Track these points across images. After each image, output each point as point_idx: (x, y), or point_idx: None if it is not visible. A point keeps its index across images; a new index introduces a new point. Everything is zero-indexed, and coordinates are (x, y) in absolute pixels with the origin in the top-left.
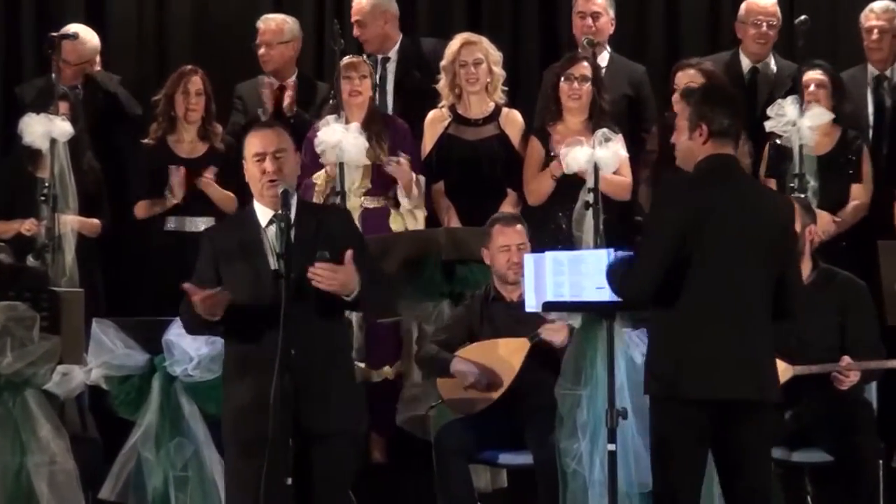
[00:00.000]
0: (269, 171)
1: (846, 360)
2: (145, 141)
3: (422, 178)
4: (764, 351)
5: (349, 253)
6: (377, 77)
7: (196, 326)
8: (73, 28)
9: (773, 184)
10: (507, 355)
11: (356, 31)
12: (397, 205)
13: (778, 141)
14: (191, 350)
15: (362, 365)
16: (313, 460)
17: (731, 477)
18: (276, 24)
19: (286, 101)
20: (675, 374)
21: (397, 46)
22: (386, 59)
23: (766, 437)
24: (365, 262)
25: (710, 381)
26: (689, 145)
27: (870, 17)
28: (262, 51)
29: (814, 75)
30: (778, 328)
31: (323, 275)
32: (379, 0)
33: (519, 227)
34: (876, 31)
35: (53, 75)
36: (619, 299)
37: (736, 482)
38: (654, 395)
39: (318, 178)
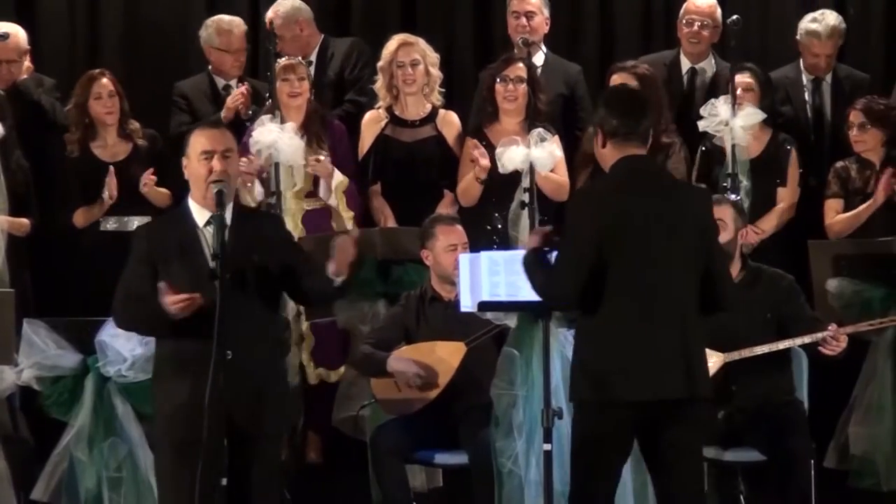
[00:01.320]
0: (216, 171)
1: (833, 326)
2: (67, 152)
3: (345, 180)
4: (692, 348)
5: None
6: None
7: (150, 327)
8: (1, 27)
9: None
10: (443, 357)
11: (278, 46)
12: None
13: (706, 146)
14: (124, 351)
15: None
16: (248, 461)
17: (664, 476)
18: (240, 28)
19: (241, 99)
20: (605, 377)
21: (317, 49)
22: (308, 63)
23: (698, 434)
24: (304, 261)
25: (640, 381)
26: (598, 150)
27: (816, 42)
28: (235, 56)
29: (741, 78)
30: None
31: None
32: (288, 10)
33: (459, 227)
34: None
35: None
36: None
37: (667, 481)
38: (583, 399)
39: (247, 167)
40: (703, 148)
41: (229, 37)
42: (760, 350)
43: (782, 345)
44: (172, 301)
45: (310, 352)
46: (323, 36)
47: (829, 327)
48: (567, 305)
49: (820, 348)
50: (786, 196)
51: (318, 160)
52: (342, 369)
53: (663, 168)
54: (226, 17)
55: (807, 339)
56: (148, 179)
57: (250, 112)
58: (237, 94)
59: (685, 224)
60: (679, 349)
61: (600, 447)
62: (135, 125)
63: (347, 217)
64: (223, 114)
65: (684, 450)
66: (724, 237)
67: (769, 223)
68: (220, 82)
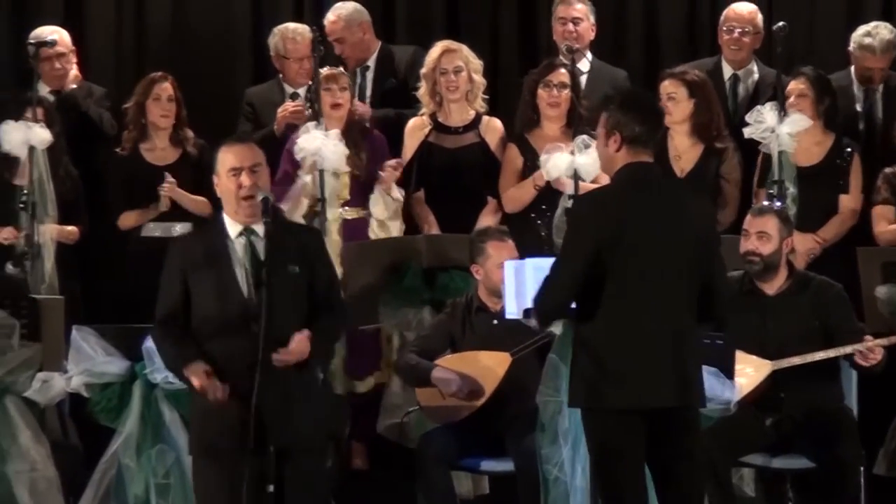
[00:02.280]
0: (245, 186)
1: (868, 338)
2: (118, 150)
3: (401, 191)
4: (689, 357)
5: (304, 335)
6: (356, 87)
7: (169, 369)
8: (50, 34)
9: (761, 195)
10: (488, 367)
11: (337, 50)
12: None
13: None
14: None
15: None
16: (290, 472)
17: (664, 486)
18: (304, 35)
19: (290, 115)
20: (597, 384)
21: (375, 55)
22: (365, 68)
23: (696, 443)
24: (328, 286)
25: (632, 390)
26: (606, 153)
27: (870, 57)
28: (300, 64)
29: (795, 85)
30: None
31: (283, 360)
32: (350, 13)
33: (510, 241)
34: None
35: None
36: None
37: (668, 492)
38: (581, 406)
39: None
40: (765, 152)
41: (293, 44)
42: (800, 360)
43: (818, 356)
44: (201, 388)
45: (342, 361)
46: (381, 43)
47: (865, 338)
48: (559, 314)
49: (855, 360)
50: (848, 203)
51: (394, 167)
52: (371, 380)
53: (666, 177)
54: (291, 25)
55: (842, 351)
56: (167, 184)
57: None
58: (287, 108)
59: (687, 235)
60: (673, 358)
61: (611, 453)
62: (188, 133)
63: (395, 228)
64: (276, 126)
65: (683, 459)
66: (767, 248)
67: (830, 232)
68: (289, 90)
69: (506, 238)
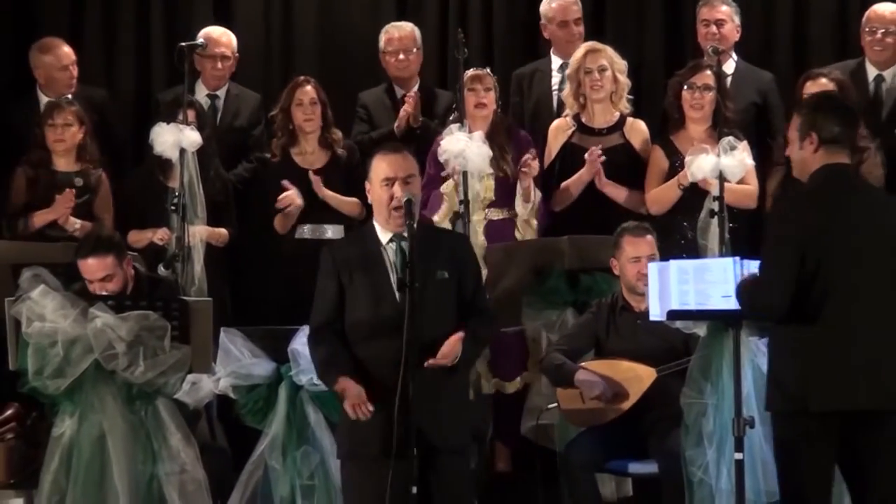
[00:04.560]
0: (397, 197)
1: None
2: (268, 156)
3: (538, 193)
4: (893, 361)
5: (456, 337)
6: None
7: (320, 377)
8: (201, 36)
9: None
10: (634, 376)
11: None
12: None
13: None
14: None
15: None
16: (433, 473)
17: (863, 490)
18: (409, 30)
19: (409, 109)
20: (801, 387)
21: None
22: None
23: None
24: (475, 289)
25: (836, 393)
26: (802, 155)
27: None
28: (401, 56)
29: None
30: None
31: (436, 363)
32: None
33: (649, 237)
34: None
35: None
36: (751, 316)
37: (869, 495)
38: (779, 410)
39: (447, 186)
40: None
41: (397, 38)
42: None
43: None
44: (348, 405)
45: (487, 362)
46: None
47: None
48: (778, 314)
49: None
50: None
51: (534, 158)
52: (518, 380)
53: (863, 177)
54: (396, 22)
55: None
56: (316, 182)
57: (420, 121)
58: (405, 106)
59: (889, 236)
60: (880, 359)
61: (802, 456)
62: (337, 134)
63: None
64: (396, 125)
65: (884, 462)
66: None
67: None
68: (399, 92)
69: (643, 233)
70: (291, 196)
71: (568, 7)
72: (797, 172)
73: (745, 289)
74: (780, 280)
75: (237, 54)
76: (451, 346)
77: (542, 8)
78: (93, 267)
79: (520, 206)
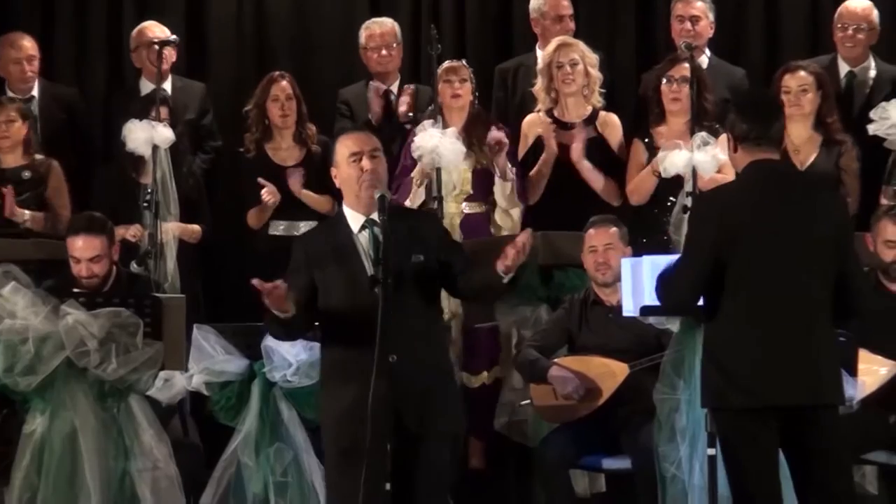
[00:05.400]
0: (367, 169)
1: None
2: (242, 150)
3: (513, 170)
4: (821, 354)
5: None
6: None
7: (274, 328)
8: (136, 32)
9: (889, 192)
10: (606, 372)
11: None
12: (495, 207)
13: None
14: (289, 356)
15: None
16: (415, 462)
17: (806, 485)
18: (390, 26)
19: (403, 106)
20: (723, 384)
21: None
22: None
23: (836, 440)
24: (464, 257)
25: (757, 389)
26: (730, 155)
27: None
28: (383, 52)
29: None
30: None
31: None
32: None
33: (612, 229)
34: None
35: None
36: (666, 312)
37: (812, 490)
38: (709, 407)
39: (415, 173)
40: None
41: (378, 33)
42: None
43: None
44: (264, 291)
45: (457, 356)
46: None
47: None
48: (686, 310)
49: None
50: None
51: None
52: (484, 375)
53: (798, 171)
54: (376, 18)
55: None
56: (294, 180)
57: (411, 115)
58: (376, 97)
59: (817, 230)
60: (805, 355)
61: (741, 451)
62: (311, 130)
63: (517, 215)
64: (373, 118)
65: (824, 457)
66: (890, 255)
67: None
68: (381, 88)
69: (607, 225)
70: (274, 189)
71: (559, 2)
72: (735, 170)
73: (660, 285)
74: (688, 278)
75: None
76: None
77: (534, 3)
78: (83, 245)
79: (499, 191)
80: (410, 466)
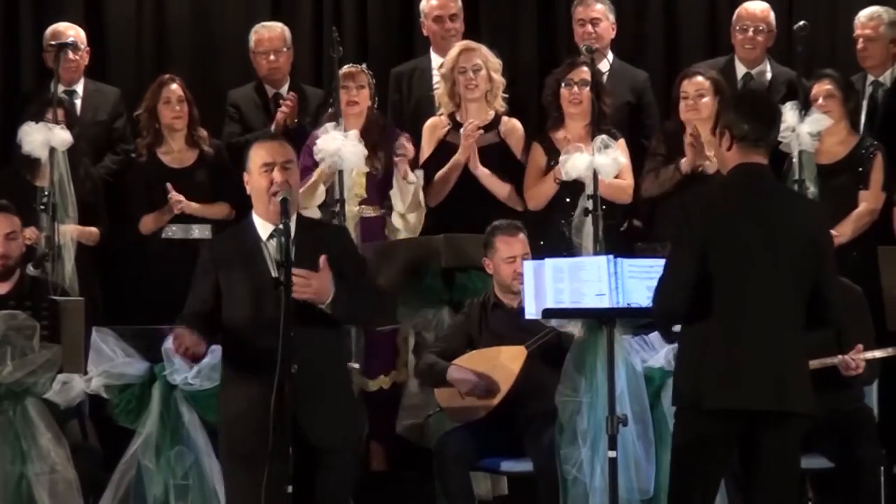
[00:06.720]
0: (277, 181)
1: (859, 347)
2: (134, 156)
3: (419, 174)
4: (792, 361)
5: (323, 258)
6: None
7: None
8: (66, 30)
9: None
10: (505, 362)
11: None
12: (391, 211)
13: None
14: None
15: (356, 366)
16: (315, 472)
17: (756, 489)
18: (279, 30)
19: (280, 115)
20: (696, 384)
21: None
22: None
23: (791, 448)
24: (358, 277)
25: (729, 392)
26: (720, 153)
27: (857, 27)
28: (271, 57)
29: (821, 86)
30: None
31: (297, 282)
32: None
33: (521, 235)
34: (861, 40)
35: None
36: (658, 323)
37: (759, 494)
38: (677, 406)
39: (316, 174)
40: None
41: (267, 38)
42: (827, 363)
43: (813, 364)
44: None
45: (357, 359)
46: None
47: (857, 347)
48: (676, 318)
49: (842, 371)
50: (867, 200)
51: (406, 144)
52: (382, 378)
53: (779, 180)
54: (266, 22)
55: (827, 363)
56: (175, 198)
57: (296, 122)
58: (283, 107)
59: (795, 237)
60: (775, 361)
61: (694, 454)
62: (202, 133)
63: (413, 220)
64: (273, 128)
65: (777, 463)
66: None
67: (846, 227)
68: (270, 91)
69: (516, 232)
70: (182, 197)
71: (445, 3)
72: (720, 169)
73: (654, 294)
74: (677, 285)
75: (88, 47)
76: (321, 271)
77: (421, 4)
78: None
79: (397, 195)
80: (311, 474)
